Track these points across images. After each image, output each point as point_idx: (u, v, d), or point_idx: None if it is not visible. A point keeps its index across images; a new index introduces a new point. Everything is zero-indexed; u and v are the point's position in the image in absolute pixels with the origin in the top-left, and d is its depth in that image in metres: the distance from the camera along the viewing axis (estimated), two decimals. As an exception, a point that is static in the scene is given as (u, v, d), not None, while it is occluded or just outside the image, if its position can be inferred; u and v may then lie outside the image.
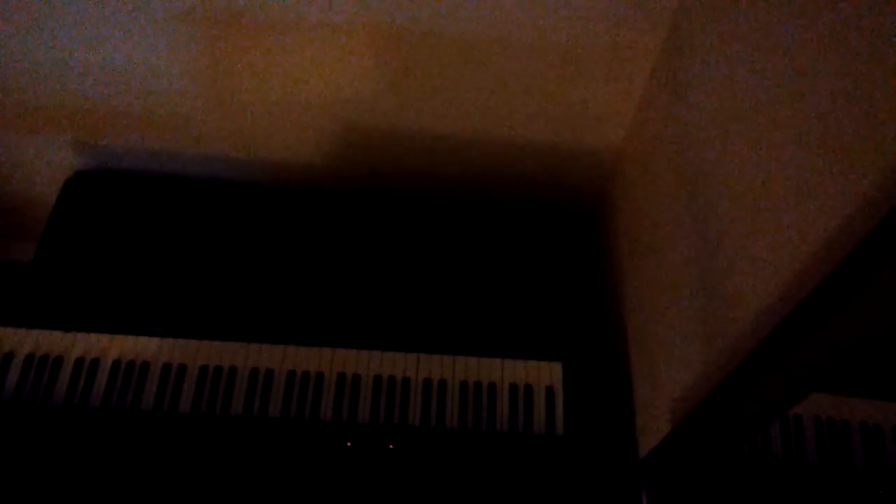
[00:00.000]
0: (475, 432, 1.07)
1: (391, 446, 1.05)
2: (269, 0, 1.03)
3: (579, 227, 1.32)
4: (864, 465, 0.71)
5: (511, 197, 1.47)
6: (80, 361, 1.09)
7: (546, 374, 1.12)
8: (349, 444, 1.05)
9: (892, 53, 0.52)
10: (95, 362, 1.09)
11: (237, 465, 1.04)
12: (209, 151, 1.36)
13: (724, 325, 0.79)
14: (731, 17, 0.83)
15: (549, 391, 1.11)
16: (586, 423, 1.12)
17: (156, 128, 1.31)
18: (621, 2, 1.01)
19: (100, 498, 1.01)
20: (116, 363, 1.09)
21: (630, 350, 1.18)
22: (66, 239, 1.23)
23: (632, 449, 1.12)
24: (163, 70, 1.17)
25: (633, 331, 1.17)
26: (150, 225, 1.25)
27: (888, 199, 0.50)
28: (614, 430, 1.20)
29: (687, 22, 0.97)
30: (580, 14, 1.03)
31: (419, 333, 1.18)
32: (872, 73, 0.54)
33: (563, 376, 1.12)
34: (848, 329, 0.52)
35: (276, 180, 1.44)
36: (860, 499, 0.71)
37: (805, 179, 0.63)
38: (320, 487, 1.03)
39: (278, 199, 1.30)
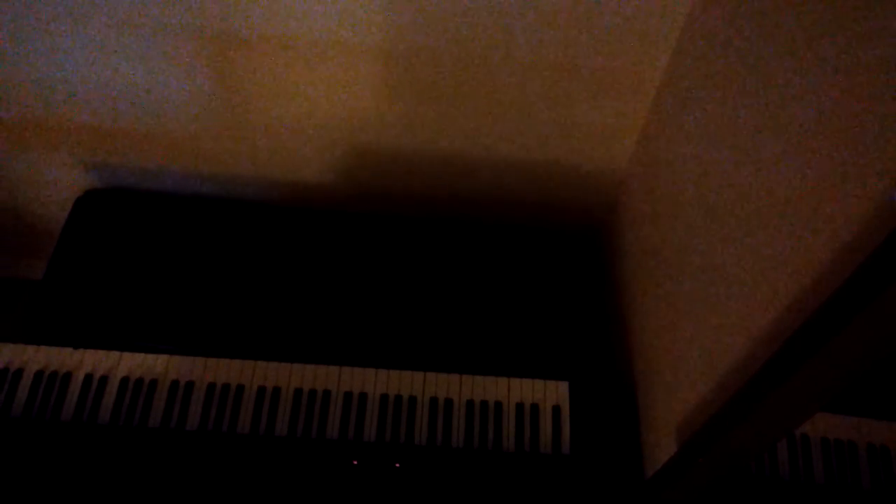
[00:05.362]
0: (481, 451, 1.06)
1: (397, 465, 1.05)
2: (278, 21, 1.05)
3: (585, 247, 1.32)
4: (872, 486, 0.71)
5: (517, 217, 1.48)
6: (88, 378, 1.10)
7: (552, 393, 1.12)
8: (355, 462, 1.05)
9: (882, 84, 0.52)
10: (104, 379, 1.10)
11: (244, 483, 1.04)
12: (218, 170, 1.38)
13: (730, 345, 0.79)
14: (730, 44, 0.84)
15: (556, 410, 1.11)
16: (593, 443, 1.12)
17: (166, 146, 1.32)
18: (626, 25, 1.02)
19: (106, 515, 1.01)
20: (125, 380, 1.10)
21: (636, 370, 1.18)
22: (77, 256, 1.24)
23: (638, 469, 1.12)
24: (173, 89, 1.19)
25: (640, 350, 1.17)
26: (160, 243, 1.26)
27: (888, 218, 0.50)
28: (620, 450, 1.19)
29: (689, 46, 0.98)
30: (586, 37, 1.04)
31: (425, 352, 1.18)
32: (866, 104, 0.55)
33: (570, 396, 1.12)
34: (853, 347, 0.53)
35: (285, 199, 1.45)
36: (868, 520, 0.71)
37: (806, 200, 0.64)
38: (326, 506, 1.03)
39: (287, 219, 1.31)
